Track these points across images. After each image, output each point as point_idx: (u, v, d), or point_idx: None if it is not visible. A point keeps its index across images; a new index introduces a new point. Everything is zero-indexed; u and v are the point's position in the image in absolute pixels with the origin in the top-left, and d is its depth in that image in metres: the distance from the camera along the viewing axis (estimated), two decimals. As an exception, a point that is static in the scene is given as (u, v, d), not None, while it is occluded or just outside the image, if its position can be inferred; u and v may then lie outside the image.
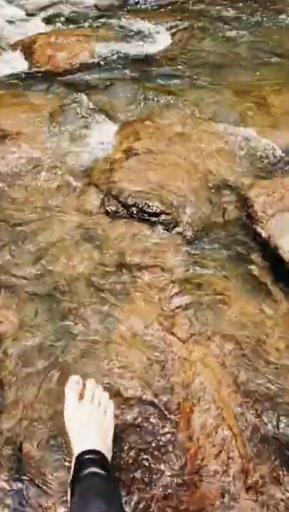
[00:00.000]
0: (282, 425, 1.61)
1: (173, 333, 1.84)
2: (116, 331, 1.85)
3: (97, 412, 1.48)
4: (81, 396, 1.51)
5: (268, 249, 2.16)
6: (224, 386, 1.69)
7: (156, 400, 1.66)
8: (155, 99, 3.13)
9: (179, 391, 1.68)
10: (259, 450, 1.56)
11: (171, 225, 2.29)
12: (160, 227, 2.29)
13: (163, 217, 2.31)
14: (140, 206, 2.34)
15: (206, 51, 3.91)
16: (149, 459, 1.54)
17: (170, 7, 4.90)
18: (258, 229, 2.23)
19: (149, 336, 1.84)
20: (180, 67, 3.64)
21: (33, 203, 2.39)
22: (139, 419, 1.62)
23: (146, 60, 3.81)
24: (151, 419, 1.62)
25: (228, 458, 1.54)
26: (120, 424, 1.58)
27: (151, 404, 1.65)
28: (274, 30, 4.46)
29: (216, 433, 1.58)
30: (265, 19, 4.62)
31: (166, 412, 1.63)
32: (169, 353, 1.78)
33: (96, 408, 1.49)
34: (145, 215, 2.33)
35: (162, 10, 4.81)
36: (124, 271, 2.09)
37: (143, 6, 4.92)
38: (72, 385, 1.52)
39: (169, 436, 1.58)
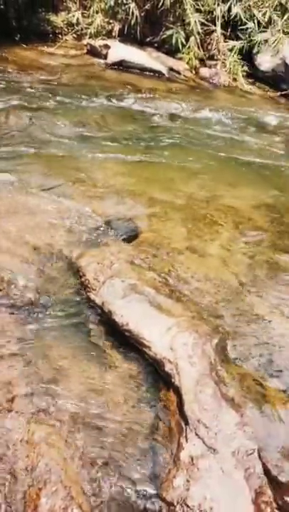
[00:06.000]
0: (129, 493, 1.60)
1: (12, 416, 1.74)
2: None
3: None
4: None
5: (103, 315, 2.21)
6: (71, 463, 1.63)
7: (-2, 493, 1.53)
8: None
9: (22, 478, 1.57)
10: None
11: (4, 301, 2.23)
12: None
13: (-6, 293, 2.24)
14: None
15: (24, 129, 4.02)
16: None
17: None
18: (92, 296, 2.28)
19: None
20: (2, 142, 3.70)
21: None
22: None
23: None
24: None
25: (81, 540, 1.47)
26: None
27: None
28: (92, 111, 4.81)
29: (67, 515, 1.51)
30: (84, 102, 4.98)
31: (9, 505, 1.51)
32: (9, 438, 1.67)
33: None
34: (-26, 293, 2.23)
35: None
36: None
37: None
38: None
39: (16, 530, 1.46)
